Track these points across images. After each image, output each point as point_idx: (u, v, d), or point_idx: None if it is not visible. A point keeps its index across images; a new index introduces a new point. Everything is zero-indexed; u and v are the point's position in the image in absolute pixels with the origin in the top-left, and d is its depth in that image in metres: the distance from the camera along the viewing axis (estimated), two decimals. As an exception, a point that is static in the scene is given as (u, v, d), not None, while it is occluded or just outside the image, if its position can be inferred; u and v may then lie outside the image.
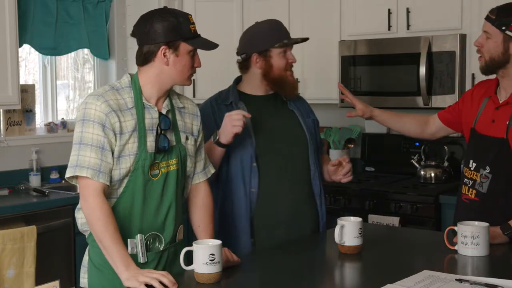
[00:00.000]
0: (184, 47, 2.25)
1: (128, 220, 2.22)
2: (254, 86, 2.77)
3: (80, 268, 2.34)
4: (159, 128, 2.24)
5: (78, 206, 2.27)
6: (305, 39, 2.81)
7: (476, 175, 2.60)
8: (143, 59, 2.25)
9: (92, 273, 2.26)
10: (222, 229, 2.69)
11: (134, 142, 2.19)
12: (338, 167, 2.76)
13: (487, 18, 2.56)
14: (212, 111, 2.73)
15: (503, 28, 2.50)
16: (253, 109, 2.68)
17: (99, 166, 2.14)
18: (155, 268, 2.21)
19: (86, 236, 2.27)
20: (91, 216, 2.13)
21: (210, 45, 2.34)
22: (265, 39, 2.70)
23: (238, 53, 2.79)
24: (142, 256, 2.20)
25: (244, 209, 2.66)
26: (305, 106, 2.89)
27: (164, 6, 2.33)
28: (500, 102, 2.60)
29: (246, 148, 2.66)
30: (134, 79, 2.27)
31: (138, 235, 2.22)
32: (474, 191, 2.60)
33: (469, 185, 2.63)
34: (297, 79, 2.92)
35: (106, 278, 2.21)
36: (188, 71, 2.28)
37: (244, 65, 2.77)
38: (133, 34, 2.30)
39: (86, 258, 2.30)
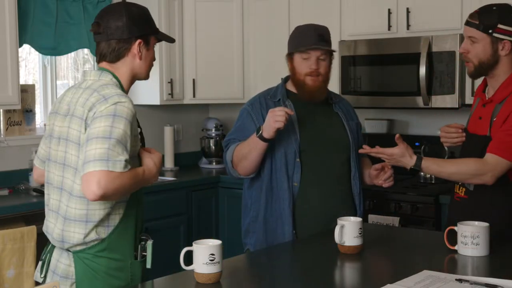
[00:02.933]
0: (153, 40, 2.29)
1: (139, 219, 2.26)
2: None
3: (54, 279, 2.21)
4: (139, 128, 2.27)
5: (82, 219, 2.15)
6: (330, 51, 2.82)
7: None
8: (116, 55, 2.22)
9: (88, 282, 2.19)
10: (268, 218, 2.81)
11: (139, 143, 2.22)
12: (380, 171, 2.87)
13: (469, 24, 2.60)
14: (261, 107, 2.86)
15: (490, 31, 2.54)
16: (299, 107, 2.83)
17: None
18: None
19: (81, 249, 2.17)
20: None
21: (171, 39, 2.38)
22: (292, 43, 2.84)
23: None
24: (151, 261, 2.24)
25: (287, 201, 2.77)
26: (349, 110, 3.01)
27: (123, 0, 2.31)
28: (487, 99, 2.65)
29: (290, 143, 2.78)
30: (116, 78, 2.24)
31: (150, 242, 2.24)
32: (464, 189, 2.69)
33: (459, 184, 2.70)
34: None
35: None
36: (152, 65, 2.32)
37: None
38: (97, 30, 2.22)
39: (68, 269, 2.19)
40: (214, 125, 5.24)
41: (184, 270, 2.08)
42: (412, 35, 4.13)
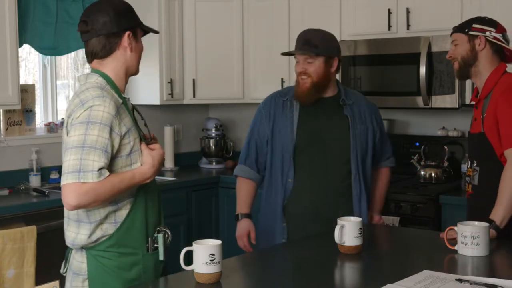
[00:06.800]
0: (140, 32, 2.29)
1: (151, 212, 2.27)
2: None
3: (70, 277, 2.26)
4: (143, 120, 2.31)
5: (85, 220, 2.17)
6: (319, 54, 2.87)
7: (470, 171, 2.82)
8: (108, 49, 2.21)
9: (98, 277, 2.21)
10: (263, 211, 3.04)
11: (137, 136, 2.20)
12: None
13: (452, 33, 2.86)
14: (270, 105, 3.02)
15: (466, 30, 2.79)
16: (305, 108, 2.95)
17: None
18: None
19: (92, 246, 2.19)
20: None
21: (156, 31, 2.37)
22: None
23: None
24: (164, 253, 2.26)
25: (280, 196, 2.94)
26: (365, 113, 3.00)
27: None
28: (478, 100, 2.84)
29: (287, 143, 2.93)
30: (104, 76, 2.22)
31: (160, 234, 2.27)
32: (470, 185, 2.82)
33: (467, 182, 2.85)
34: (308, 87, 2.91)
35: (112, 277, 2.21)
36: (140, 58, 2.31)
37: None
38: (84, 27, 2.20)
39: (81, 266, 2.23)
40: (214, 125, 5.24)
41: (184, 270, 2.08)
42: (412, 35, 4.14)
